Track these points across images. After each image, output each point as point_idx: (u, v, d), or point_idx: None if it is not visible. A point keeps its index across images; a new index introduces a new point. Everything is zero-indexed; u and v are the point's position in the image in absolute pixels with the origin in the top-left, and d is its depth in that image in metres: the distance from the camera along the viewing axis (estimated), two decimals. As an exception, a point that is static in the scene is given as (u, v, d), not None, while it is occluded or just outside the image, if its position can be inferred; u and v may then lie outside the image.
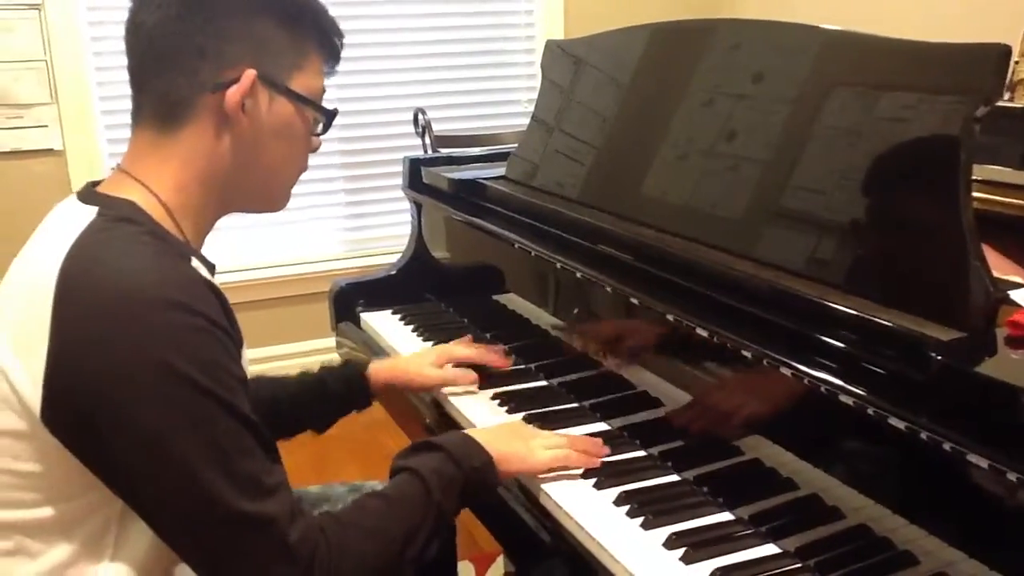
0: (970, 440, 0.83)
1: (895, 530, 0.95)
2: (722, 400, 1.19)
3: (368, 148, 3.36)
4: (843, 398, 0.96)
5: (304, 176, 1.12)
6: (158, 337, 0.87)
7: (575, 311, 1.49)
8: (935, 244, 1.00)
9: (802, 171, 1.17)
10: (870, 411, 0.92)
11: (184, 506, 0.90)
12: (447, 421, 1.47)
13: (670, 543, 1.05)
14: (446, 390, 1.50)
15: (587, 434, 1.29)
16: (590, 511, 1.13)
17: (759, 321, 1.07)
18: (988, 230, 1.03)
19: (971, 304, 0.94)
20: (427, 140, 2.66)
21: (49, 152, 2.91)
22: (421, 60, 3.39)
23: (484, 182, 1.76)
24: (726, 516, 1.11)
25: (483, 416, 1.41)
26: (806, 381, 1.00)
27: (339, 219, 3.40)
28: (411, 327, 1.81)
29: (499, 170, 1.81)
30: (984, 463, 0.82)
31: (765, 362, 1.05)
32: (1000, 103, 1.01)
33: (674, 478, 1.20)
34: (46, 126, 2.89)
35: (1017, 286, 1.00)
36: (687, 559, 1.03)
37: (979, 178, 1.41)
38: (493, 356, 1.54)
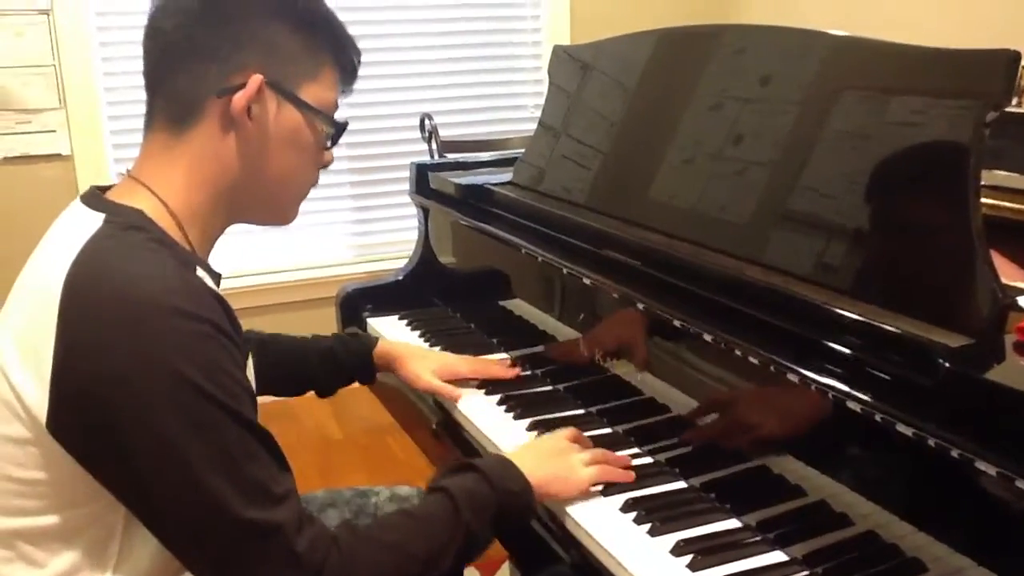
0: (978, 446, 0.83)
1: (903, 537, 0.94)
2: (729, 406, 1.19)
3: (375, 153, 3.36)
4: (850, 404, 0.95)
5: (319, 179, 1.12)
6: (165, 344, 0.87)
7: (582, 316, 1.49)
8: (943, 249, 1.00)
9: (810, 175, 1.17)
10: (878, 417, 0.92)
11: (190, 513, 0.89)
12: (453, 425, 1.47)
13: (677, 550, 1.05)
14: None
15: (593, 438, 1.29)
16: (597, 518, 1.13)
17: (766, 326, 1.07)
18: (996, 235, 1.02)
19: (979, 310, 0.94)
20: (434, 145, 2.66)
21: (57, 157, 2.92)
22: (428, 65, 3.39)
23: (491, 187, 1.76)
24: (733, 523, 1.11)
25: (489, 421, 1.41)
26: (813, 387, 1.00)
27: (346, 224, 3.41)
28: (418, 332, 1.81)
29: (506, 175, 1.81)
30: (992, 470, 0.82)
31: (772, 368, 1.05)
32: (1009, 108, 1.00)
33: (681, 484, 1.20)
34: (54, 131, 2.90)
35: (1025, 292, 1.00)
36: (694, 566, 1.03)
37: (987, 183, 1.41)
38: (497, 371, 1.54)
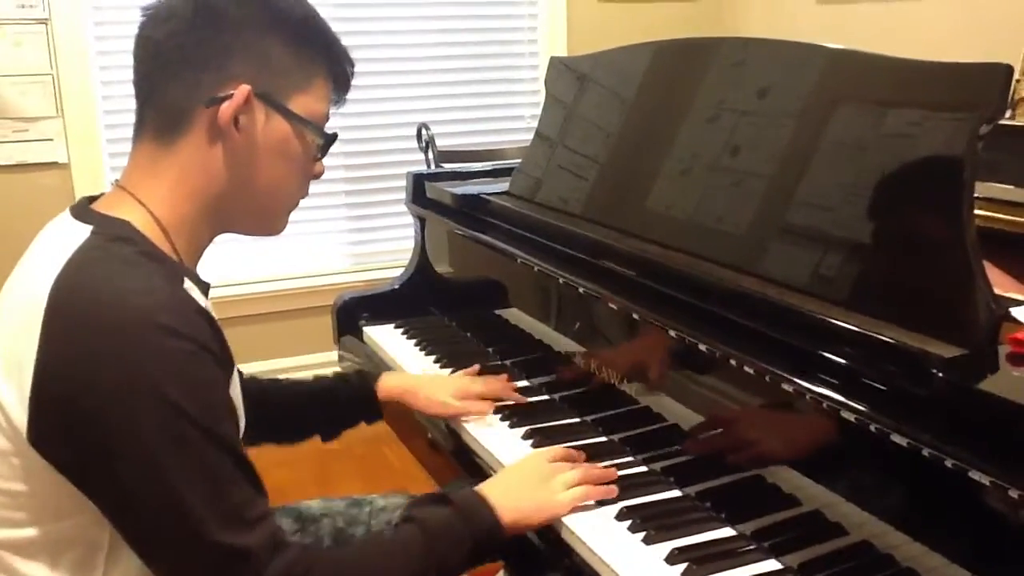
0: (972, 457, 0.83)
1: (898, 547, 0.94)
2: (724, 416, 1.19)
3: (372, 163, 3.37)
4: (845, 414, 0.96)
5: (309, 189, 1.11)
6: (146, 361, 0.86)
7: (577, 326, 1.49)
8: (938, 261, 1.00)
9: (806, 187, 1.18)
10: (872, 427, 0.92)
11: (163, 533, 0.90)
12: (450, 434, 1.47)
13: (672, 558, 1.05)
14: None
15: (587, 447, 1.29)
16: (592, 526, 1.13)
17: (761, 337, 1.07)
18: (990, 247, 1.03)
19: (973, 321, 0.94)
20: (430, 155, 2.66)
21: (54, 165, 2.92)
22: (425, 75, 3.40)
23: (487, 197, 1.76)
24: (728, 532, 1.11)
25: (485, 430, 1.41)
26: (808, 397, 1.00)
27: (343, 233, 3.41)
28: (414, 341, 1.81)
29: (502, 185, 1.82)
30: (986, 480, 0.82)
31: (767, 378, 1.05)
32: (1002, 121, 1.01)
33: (676, 493, 1.20)
34: (51, 139, 2.90)
35: (1018, 303, 1.00)
36: (689, 574, 1.03)
37: (981, 195, 1.41)
38: (510, 392, 1.50)
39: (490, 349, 1.73)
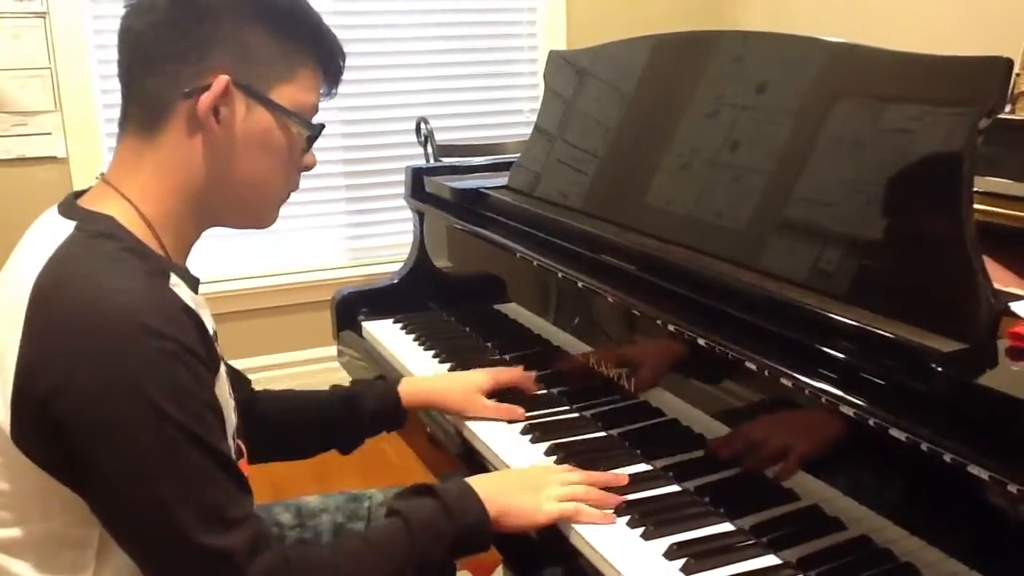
0: (971, 451, 0.83)
1: (896, 541, 0.95)
2: (722, 410, 1.19)
3: (370, 157, 3.36)
4: (844, 409, 0.96)
5: (306, 184, 1.10)
6: (128, 362, 0.86)
7: (576, 321, 1.49)
8: (937, 255, 1.00)
9: (805, 182, 1.18)
10: (871, 422, 0.92)
11: (144, 533, 0.90)
12: (448, 428, 1.47)
13: (671, 553, 1.05)
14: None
15: (586, 442, 1.29)
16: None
17: (761, 331, 1.07)
18: (989, 242, 1.03)
19: (972, 315, 0.94)
20: (429, 149, 2.66)
21: (52, 159, 2.92)
22: (424, 69, 3.39)
23: (486, 191, 1.76)
24: (727, 527, 1.11)
25: (483, 425, 1.40)
26: (807, 392, 1.00)
27: (341, 228, 3.41)
28: (413, 336, 1.81)
29: (502, 180, 1.81)
30: (985, 474, 0.82)
31: (766, 372, 1.05)
32: (1002, 115, 1.01)
33: (675, 488, 1.20)
34: (50, 133, 2.90)
35: (1018, 298, 1.00)
36: (688, 569, 1.03)
37: (980, 190, 1.41)
38: (530, 382, 1.49)
39: (489, 344, 1.73)
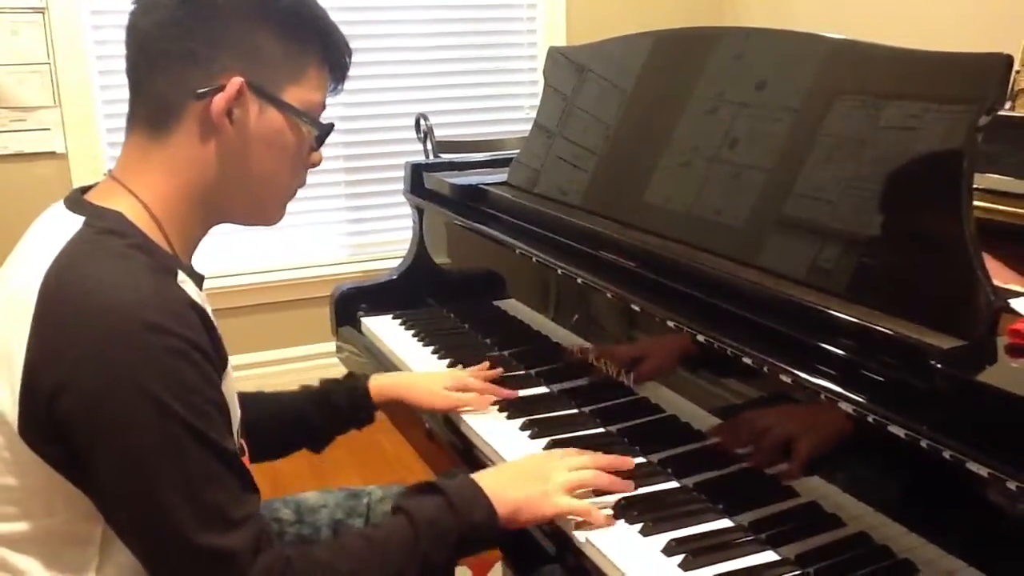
0: (970, 448, 0.83)
1: (894, 538, 0.95)
2: (721, 407, 1.19)
3: (370, 153, 3.36)
4: (843, 405, 0.96)
5: (306, 179, 1.10)
6: (135, 359, 0.86)
7: (575, 317, 1.49)
8: (937, 252, 1.00)
9: (804, 179, 1.18)
10: (870, 419, 0.92)
11: (146, 531, 0.90)
12: (447, 425, 1.47)
13: (669, 550, 1.05)
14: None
15: (585, 438, 1.29)
16: (590, 517, 1.13)
17: (760, 328, 1.07)
18: (988, 239, 1.03)
19: (972, 312, 0.94)
20: (429, 145, 2.66)
21: (51, 155, 2.91)
22: (424, 65, 3.39)
23: (486, 188, 1.76)
24: (725, 523, 1.11)
25: (482, 421, 1.41)
26: (807, 388, 1.00)
27: (341, 223, 3.40)
28: (411, 332, 1.81)
29: (501, 176, 1.81)
30: (984, 471, 0.82)
31: (766, 369, 1.05)
32: (1002, 112, 1.01)
33: (673, 484, 1.20)
34: (48, 129, 2.90)
35: (1017, 295, 1.00)
36: (686, 566, 1.03)
37: (980, 187, 1.41)
38: (504, 391, 1.48)
39: (488, 340, 1.73)
